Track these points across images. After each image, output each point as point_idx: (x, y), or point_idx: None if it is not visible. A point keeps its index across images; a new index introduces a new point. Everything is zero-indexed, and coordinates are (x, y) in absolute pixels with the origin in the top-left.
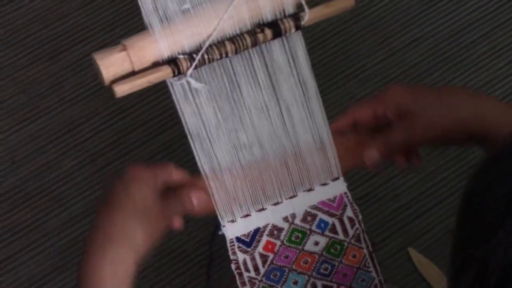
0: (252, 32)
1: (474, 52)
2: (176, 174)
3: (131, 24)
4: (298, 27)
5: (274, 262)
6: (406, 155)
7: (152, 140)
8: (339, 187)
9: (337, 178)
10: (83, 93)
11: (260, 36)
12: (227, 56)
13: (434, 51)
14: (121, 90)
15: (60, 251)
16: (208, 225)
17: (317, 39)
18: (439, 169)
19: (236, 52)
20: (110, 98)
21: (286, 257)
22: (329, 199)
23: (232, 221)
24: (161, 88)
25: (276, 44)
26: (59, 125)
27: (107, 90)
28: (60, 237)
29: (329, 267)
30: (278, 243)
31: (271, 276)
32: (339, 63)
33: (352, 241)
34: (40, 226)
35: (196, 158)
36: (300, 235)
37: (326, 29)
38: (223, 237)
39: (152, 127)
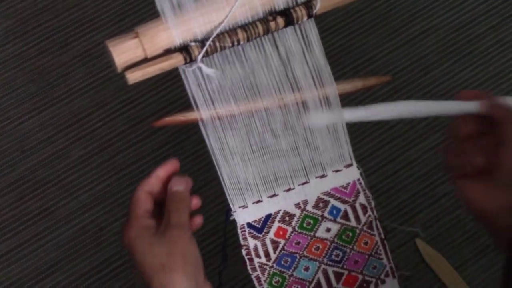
0: (264, 20)
1: (482, 45)
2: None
3: (140, 14)
4: (310, 16)
5: (285, 248)
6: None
7: (161, 131)
8: (352, 174)
9: (350, 165)
10: (92, 83)
11: (272, 24)
12: (239, 43)
13: (443, 43)
14: (133, 77)
15: (68, 240)
16: (215, 216)
17: (327, 30)
18: None
19: (248, 40)
20: (119, 88)
21: (298, 243)
22: (342, 186)
23: (244, 206)
24: (171, 79)
25: (288, 32)
26: (68, 115)
27: (117, 80)
28: (69, 226)
29: (341, 254)
30: (290, 229)
31: (282, 262)
32: (348, 54)
33: (364, 228)
34: (49, 215)
35: (208, 144)
36: (311, 221)
37: (335, 20)
38: (234, 223)
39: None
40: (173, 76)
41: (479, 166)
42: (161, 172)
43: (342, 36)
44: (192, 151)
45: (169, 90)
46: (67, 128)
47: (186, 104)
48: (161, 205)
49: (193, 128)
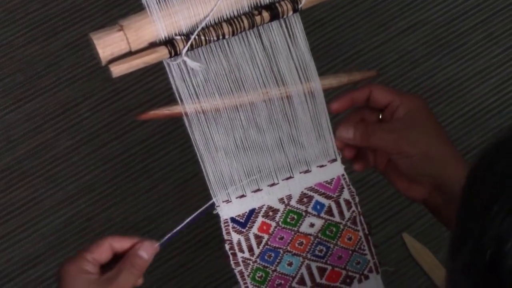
0: (249, 14)
1: (471, 39)
2: (118, 244)
3: (128, 5)
4: (295, 10)
5: (269, 243)
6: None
7: (149, 122)
8: (336, 169)
9: (334, 160)
10: (80, 74)
11: (257, 18)
12: (224, 37)
13: (431, 37)
14: (117, 70)
15: (54, 230)
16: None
17: (315, 23)
18: None
19: (233, 34)
20: (107, 78)
21: (281, 238)
22: (326, 181)
23: (227, 201)
24: (158, 70)
25: (274, 27)
26: (55, 105)
27: (104, 70)
28: (55, 216)
29: (324, 249)
30: (273, 224)
31: (266, 257)
32: (337, 47)
33: (348, 223)
34: (35, 205)
35: (192, 139)
36: (295, 216)
37: (324, 14)
38: (218, 218)
39: (149, 109)
40: (160, 67)
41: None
42: (137, 244)
43: (330, 29)
44: (178, 144)
45: (156, 82)
46: (54, 118)
47: (172, 96)
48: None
49: (180, 121)
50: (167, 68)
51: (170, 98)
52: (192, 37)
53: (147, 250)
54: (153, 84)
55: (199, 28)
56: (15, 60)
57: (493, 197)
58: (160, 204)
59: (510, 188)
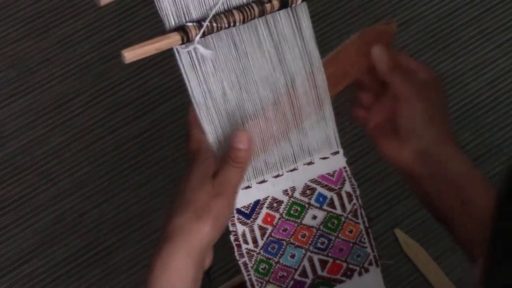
0: (259, 2)
1: (464, 35)
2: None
3: (121, 1)
4: None
5: (273, 235)
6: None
7: (141, 118)
8: (338, 161)
9: (337, 152)
10: (72, 69)
11: (267, 6)
12: (234, 25)
13: (424, 34)
14: (130, 56)
15: (47, 226)
16: None
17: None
18: None
19: (243, 22)
20: (99, 75)
21: (285, 230)
22: (328, 173)
23: None
24: (152, 65)
25: (282, 15)
26: (48, 101)
27: (96, 66)
28: (47, 212)
29: (326, 242)
30: (277, 216)
31: (269, 249)
32: (331, 42)
33: (349, 216)
34: (28, 201)
35: (203, 126)
36: (299, 208)
37: (319, 9)
38: None
39: (142, 105)
40: (153, 63)
41: (380, 123)
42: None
43: (324, 25)
44: (171, 139)
45: (149, 78)
46: (47, 114)
47: (164, 92)
48: None
49: (176, 115)
50: (176, 56)
51: (161, 95)
52: (205, 23)
53: (242, 140)
54: (145, 80)
55: (211, 14)
56: (7, 56)
57: None
58: (152, 200)
59: None
